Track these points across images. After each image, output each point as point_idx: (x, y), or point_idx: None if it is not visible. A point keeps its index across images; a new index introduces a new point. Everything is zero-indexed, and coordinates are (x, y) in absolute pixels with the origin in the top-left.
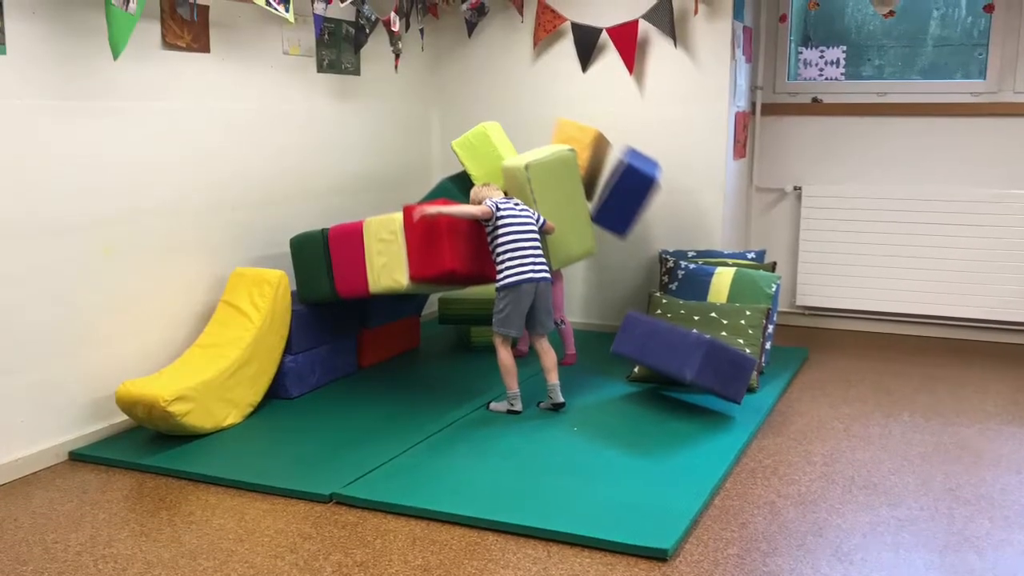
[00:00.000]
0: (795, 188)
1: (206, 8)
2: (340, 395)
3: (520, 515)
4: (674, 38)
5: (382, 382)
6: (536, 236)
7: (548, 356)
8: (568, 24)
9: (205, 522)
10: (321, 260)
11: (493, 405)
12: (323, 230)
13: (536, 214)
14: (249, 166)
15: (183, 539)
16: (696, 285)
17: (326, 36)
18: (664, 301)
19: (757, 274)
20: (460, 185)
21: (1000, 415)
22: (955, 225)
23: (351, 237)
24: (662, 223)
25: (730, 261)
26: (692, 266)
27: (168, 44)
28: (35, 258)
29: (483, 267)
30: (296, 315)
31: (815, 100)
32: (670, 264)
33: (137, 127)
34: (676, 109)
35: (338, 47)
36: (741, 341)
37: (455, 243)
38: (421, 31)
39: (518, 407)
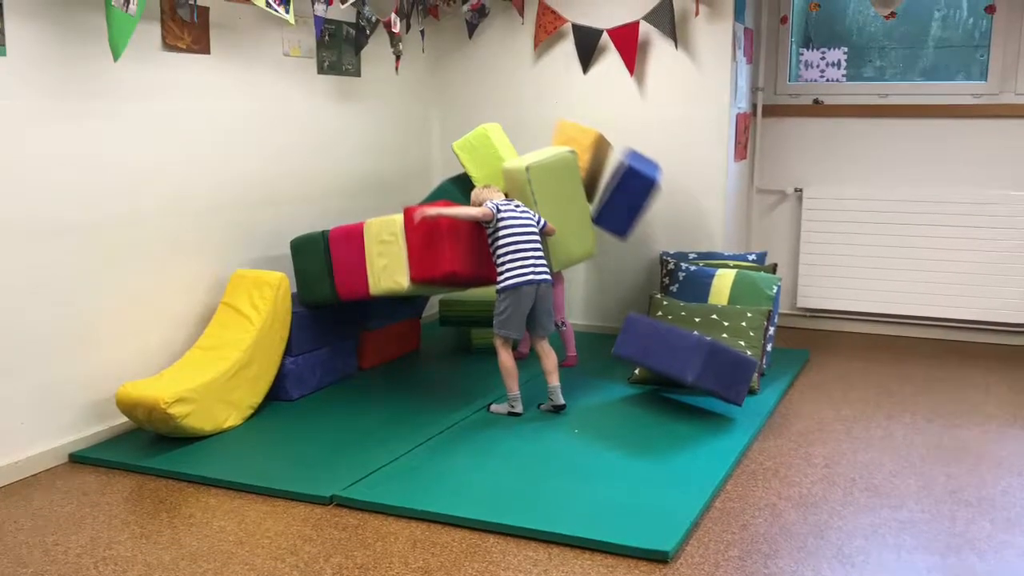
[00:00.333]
0: (796, 190)
1: (206, 9)
2: (341, 397)
3: (521, 517)
4: (675, 39)
5: (383, 384)
6: (537, 238)
7: (549, 358)
8: (569, 25)
9: (205, 524)
10: (321, 262)
11: (494, 407)
12: (323, 232)
13: (536, 216)
14: (249, 167)
15: (183, 541)
16: (697, 287)
17: (326, 37)
18: (665, 303)
19: (758, 276)
20: (461, 187)
21: (1001, 417)
22: (956, 227)
23: (351, 239)
24: (663, 225)
25: (731, 263)
26: (693, 268)
27: (168, 45)
28: (35, 259)
29: (483, 269)
30: (296, 317)
31: (816, 102)
32: (671, 266)
33: (137, 128)
34: (677, 110)
35: (339, 48)
36: (742, 343)
37: (456, 245)
38: (422, 32)
39: (519, 409)
